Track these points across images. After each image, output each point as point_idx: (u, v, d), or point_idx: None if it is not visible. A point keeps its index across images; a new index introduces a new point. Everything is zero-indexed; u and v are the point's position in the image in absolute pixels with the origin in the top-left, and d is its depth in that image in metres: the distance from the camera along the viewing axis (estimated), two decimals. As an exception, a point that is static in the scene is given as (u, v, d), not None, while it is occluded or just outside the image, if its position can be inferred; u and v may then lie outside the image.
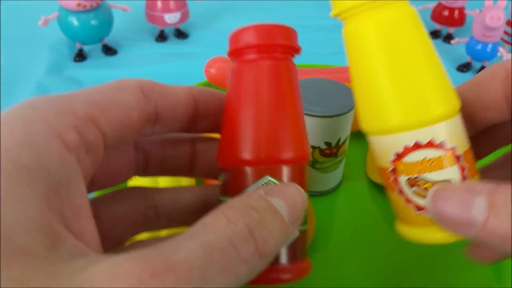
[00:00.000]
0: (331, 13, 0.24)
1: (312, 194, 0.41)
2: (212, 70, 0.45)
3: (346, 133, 0.38)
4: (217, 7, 0.78)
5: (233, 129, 0.20)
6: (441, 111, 0.21)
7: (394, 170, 0.23)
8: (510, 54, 0.59)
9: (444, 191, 0.20)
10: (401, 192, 0.23)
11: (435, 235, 0.22)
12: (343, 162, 0.41)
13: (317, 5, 0.79)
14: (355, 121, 0.40)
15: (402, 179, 0.22)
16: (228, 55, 0.21)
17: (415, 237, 0.23)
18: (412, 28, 0.22)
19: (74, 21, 0.58)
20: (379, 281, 0.34)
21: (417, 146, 0.22)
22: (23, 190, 0.13)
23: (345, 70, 0.47)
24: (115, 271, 0.12)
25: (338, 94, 0.38)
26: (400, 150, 0.22)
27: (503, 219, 0.17)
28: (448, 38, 0.68)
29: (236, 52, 0.21)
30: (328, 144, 0.38)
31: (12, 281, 0.12)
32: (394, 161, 0.23)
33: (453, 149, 0.22)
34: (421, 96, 0.22)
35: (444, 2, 0.66)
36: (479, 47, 0.58)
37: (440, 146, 0.22)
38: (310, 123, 0.36)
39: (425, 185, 0.22)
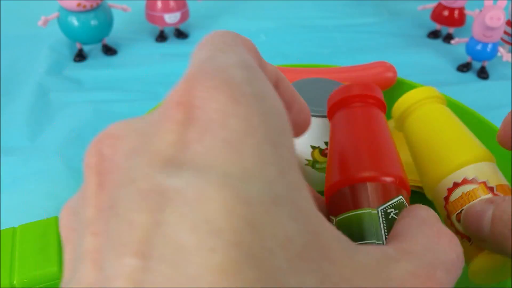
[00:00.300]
0: (394, 126, 0.35)
1: (312, 194, 0.41)
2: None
3: (346, 133, 0.38)
4: (217, 7, 0.78)
5: (364, 150, 0.22)
6: (466, 158, 0.29)
7: (448, 215, 0.28)
8: (510, 54, 0.59)
9: (467, 208, 0.21)
10: (457, 231, 0.27)
11: (487, 258, 0.25)
12: (343, 162, 0.41)
13: (317, 5, 0.79)
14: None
15: (453, 218, 0.28)
16: (338, 103, 0.26)
17: (477, 270, 0.26)
18: (446, 113, 0.33)
19: (74, 21, 0.58)
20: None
21: (455, 185, 0.28)
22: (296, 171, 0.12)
23: (345, 70, 0.47)
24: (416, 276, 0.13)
25: (338, 94, 0.38)
26: (445, 193, 0.28)
27: (502, 227, 0.17)
28: (448, 38, 0.68)
29: (349, 100, 0.26)
30: (328, 144, 0.38)
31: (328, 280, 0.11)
32: (445, 206, 0.28)
33: (484, 182, 0.27)
34: (453, 152, 0.29)
35: (444, 2, 0.66)
36: (479, 47, 0.58)
37: (472, 181, 0.28)
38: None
39: None
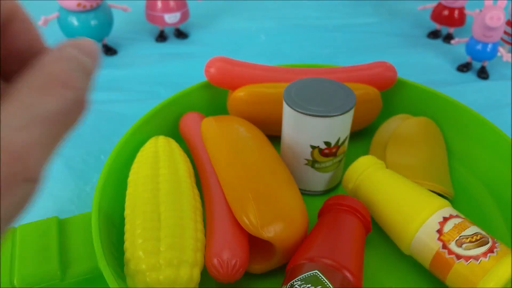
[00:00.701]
0: (347, 191, 0.39)
1: (312, 194, 0.41)
2: (212, 70, 0.45)
3: (345, 133, 0.38)
4: (217, 7, 0.78)
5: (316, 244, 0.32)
6: (441, 202, 0.33)
7: (444, 245, 0.31)
8: (510, 54, 0.59)
9: None
10: (458, 256, 0.30)
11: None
12: (343, 162, 0.41)
13: (317, 5, 0.79)
14: (355, 121, 0.40)
15: (453, 245, 0.31)
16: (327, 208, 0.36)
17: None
18: (393, 174, 0.37)
19: (74, 21, 0.58)
20: (377, 280, 0.34)
21: (445, 219, 0.32)
22: None
23: (345, 70, 0.47)
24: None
25: (338, 94, 0.38)
26: (438, 226, 0.32)
27: None
28: (448, 38, 0.68)
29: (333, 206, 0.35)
30: (327, 143, 0.38)
31: None
32: (439, 238, 0.32)
33: (465, 218, 0.33)
34: (427, 199, 0.34)
35: (444, 2, 0.66)
36: (479, 47, 0.58)
37: (457, 216, 0.33)
38: (310, 123, 0.36)
39: (469, 239, 0.31)
